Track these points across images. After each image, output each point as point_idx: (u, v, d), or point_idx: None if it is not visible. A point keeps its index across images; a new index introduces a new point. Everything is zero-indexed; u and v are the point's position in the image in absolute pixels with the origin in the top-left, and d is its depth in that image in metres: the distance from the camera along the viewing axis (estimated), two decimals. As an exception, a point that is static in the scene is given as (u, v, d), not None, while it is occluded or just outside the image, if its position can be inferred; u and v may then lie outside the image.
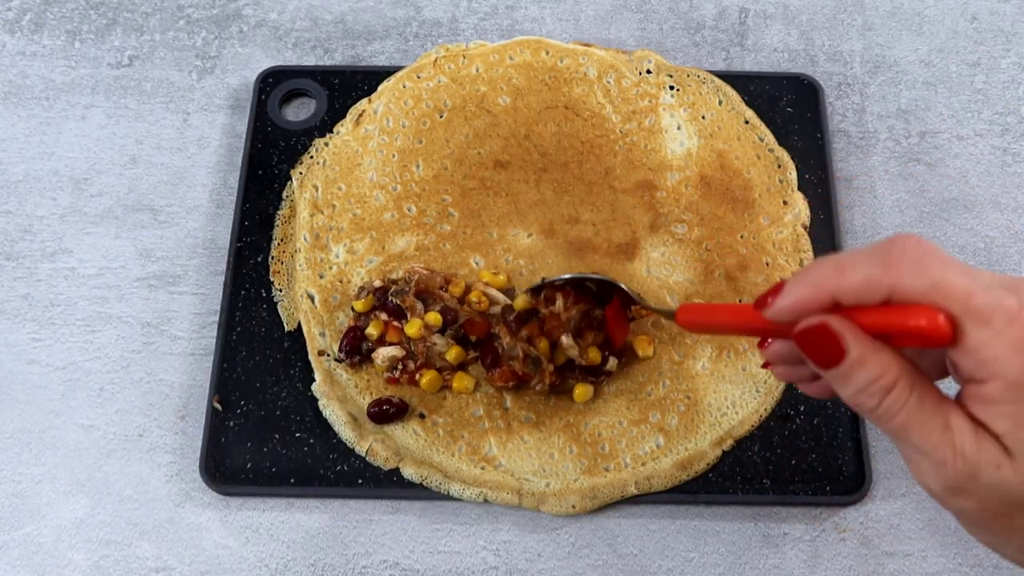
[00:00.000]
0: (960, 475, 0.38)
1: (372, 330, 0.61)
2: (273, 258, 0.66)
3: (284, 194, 0.68)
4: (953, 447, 0.38)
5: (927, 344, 0.38)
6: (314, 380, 0.62)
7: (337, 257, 0.66)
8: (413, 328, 0.60)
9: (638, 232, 0.66)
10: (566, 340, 0.59)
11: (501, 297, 0.62)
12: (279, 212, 0.68)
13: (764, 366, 0.48)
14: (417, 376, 0.61)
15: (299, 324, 0.64)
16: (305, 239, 0.66)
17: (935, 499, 0.40)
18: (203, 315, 0.66)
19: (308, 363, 0.63)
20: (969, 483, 0.38)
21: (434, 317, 0.61)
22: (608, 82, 0.72)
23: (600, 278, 0.60)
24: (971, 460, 0.38)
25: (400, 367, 0.61)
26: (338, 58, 0.76)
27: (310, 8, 0.78)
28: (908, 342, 0.38)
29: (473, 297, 0.62)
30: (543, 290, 0.61)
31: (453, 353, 0.61)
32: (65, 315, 0.66)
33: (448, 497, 0.59)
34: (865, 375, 0.38)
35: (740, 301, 0.64)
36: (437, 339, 0.61)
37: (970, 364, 0.37)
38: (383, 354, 0.61)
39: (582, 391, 0.60)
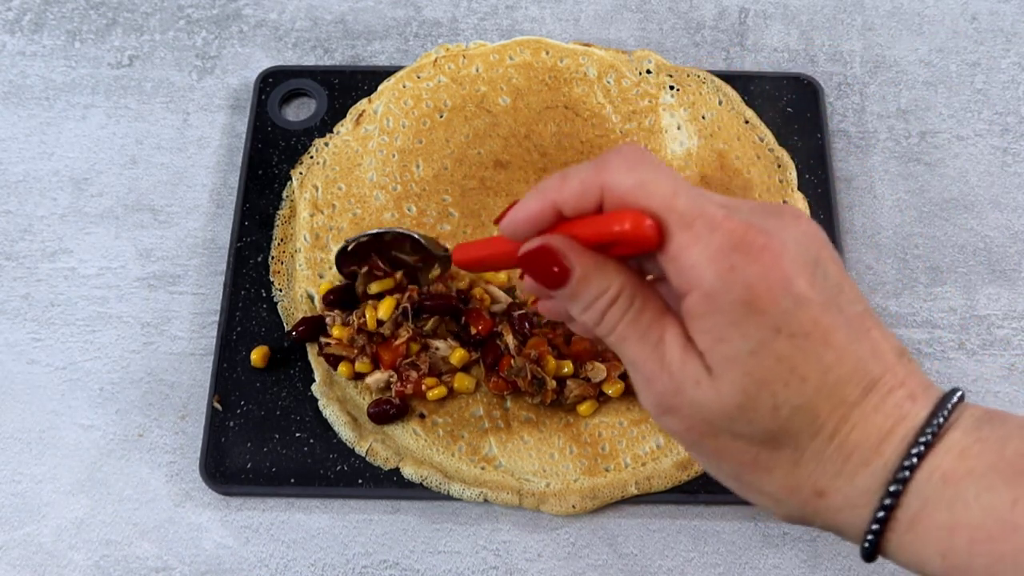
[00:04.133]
0: (667, 392, 0.37)
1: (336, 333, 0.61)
2: (273, 258, 0.66)
3: (284, 194, 0.68)
4: (662, 362, 0.37)
5: (637, 249, 0.36)
6: (314, 380, 0.62)
7: (337, 257, 0.66)
8: (371, 321, 0.60)
9: (638, 232, 0.66)
10: (598, 366, 0.60)
11: (502, 295, 0.62)
12: (279, 212, 0.68)
13: (533, 303, 0.48)
14: (423, 386, 0.60)
15: (299, 324, 0.64)
16: (305, 239, 0.66)
17: (653, 419, 0.38)
18: (203, 315, 0.66)
19: (308, 363, 0.63)
20: (675, 400, 0.37)
21: (385, 307, 0.60)
22: (608, 82, 0.72)
23: (397, 231, 0.59)
24: (676, 376, 0.36)
25: (404, 378, 0.60)
26: (338, 58, 0.76)
27: (310, 8, 0.78)
28: (622, 249, 0.37)
29: (476, 293, 0.62)
30: (351, 257, 0.60)
31: (457, 356, 0.61)
32: (65, 315, 0.66)
33: (448, 497, 0.59)
34: (590, 291, 0.37)
35: None
36: (440, 344, 0.61)
37: (673, 273, 0.36)
38: (372, 381, 0.61)
39: (587, 407, 0.61)
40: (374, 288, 0.61)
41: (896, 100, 0.74)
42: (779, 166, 0.69)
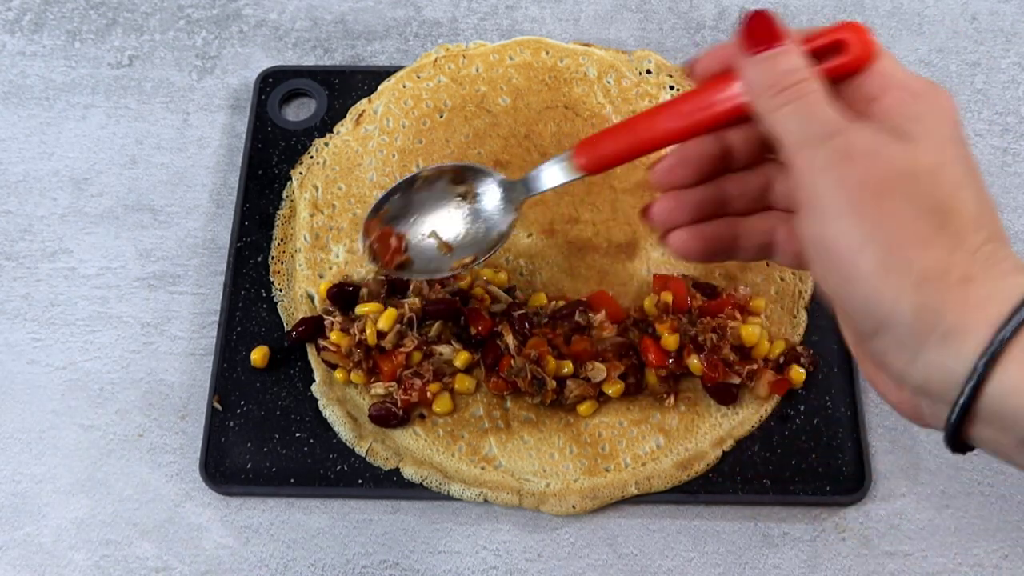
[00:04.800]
0: (859, 141, 0.40)
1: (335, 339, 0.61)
2: (273, 258, 0.66)
3: (284, 194, 0.68)
4: (849, 120, 0.40)
5: (850, 64, 0.42)
6: (314, 380, 0.62)
7: (337, 257, 0.66)
8: (371, 336, 0.60)
9: (638, 232, 0.66)
10: (598, 366, 0.59)
11: (503, 295, 0.62)
12: (279, 212, 0.68)
13: (644, 212, 0.47)
14: (428, 395, 0.60)
15: (299, 324, 0.64)
16: (305, 239, 0.66)
17: (806, 171, 0.40)
18: (203, 315, 0.66)
19: (308, 363, 0.63)
20: (861, 148, 0.39)
21: (386, 319, 0.60)
22: (608, 82, 0.72)
23: (475, 166, 0.56)
24: (867, 130, 0.40)
25: (407, 387, 0.60)
26: (338, 58, 0.76)
27: (310, 8, 0.78)
28: (831, 68, 0.42)
29: (476, 293, 0.62)
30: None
31: (462, 359, 0.60)
32: (65, 315, 0.66)
33: (448, 497, 0.59)
34: (792, 60, 0.42)
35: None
36: (444, 349, 0.61)
37: (878, 84, 0.42)
38: (374, 395, 0.61)
39: (587, 407, 0.60)
40: (362, 309, 0.61)
41: (896, 100, 0.74)
42: (779, 166, 0.69)
